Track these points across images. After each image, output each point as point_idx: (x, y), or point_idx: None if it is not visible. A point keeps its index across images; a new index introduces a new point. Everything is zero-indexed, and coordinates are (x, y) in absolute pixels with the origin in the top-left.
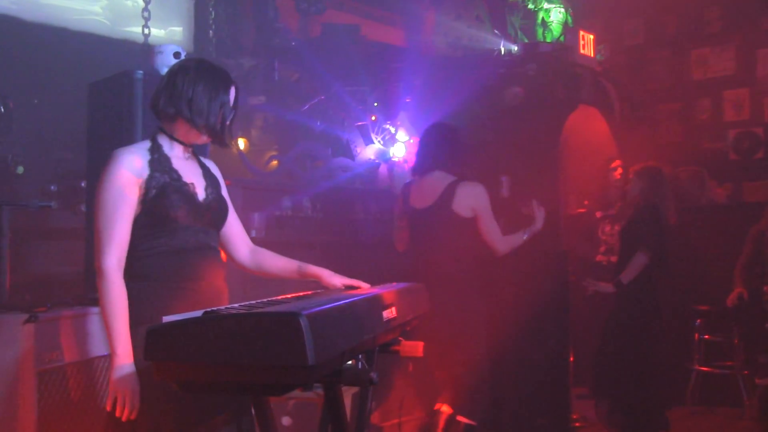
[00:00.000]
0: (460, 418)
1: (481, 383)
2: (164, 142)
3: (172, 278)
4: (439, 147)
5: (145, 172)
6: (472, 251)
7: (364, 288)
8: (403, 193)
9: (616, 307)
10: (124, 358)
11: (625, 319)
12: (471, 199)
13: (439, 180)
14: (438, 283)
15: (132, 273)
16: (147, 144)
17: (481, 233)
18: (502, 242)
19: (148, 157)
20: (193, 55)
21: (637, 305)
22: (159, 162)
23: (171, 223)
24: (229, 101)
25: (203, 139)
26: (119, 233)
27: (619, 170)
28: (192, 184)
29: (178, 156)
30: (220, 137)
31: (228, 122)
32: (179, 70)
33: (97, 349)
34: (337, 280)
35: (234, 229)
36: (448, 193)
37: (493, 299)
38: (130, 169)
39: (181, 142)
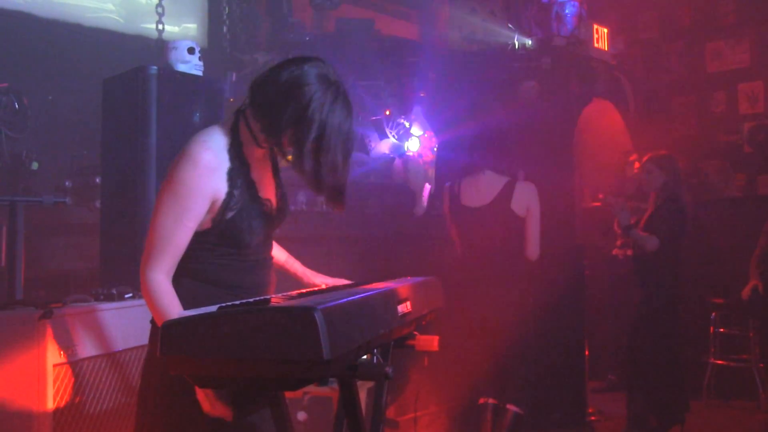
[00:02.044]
0: (509, 406)
1: (528, 374)
2: (245, 139)
3: (236, 287)
4: (491, 149)
5: (223, 187)
6: (521, 248)
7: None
8: (451, 191)
9: (640, 301)
10: None
11: (647, 312)
12: (526, 199)
13: (493, 180)
14: (492, 278)
15: (190, 271)
16: (225, 139)
17: (527, 232)
18: (538, 245)
19: (227, 164)
20: (207, 51)
21: (659, 298)
22: (239, 171)
23: (244, 247)
24: (347, 165)
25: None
26: (177, 245)
27: (637, 164)
28: (265, 198)
29: (256, 157)
30: (341, 198)
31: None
32: (317, 97)
33: (113, 344)
34: (318, 280)
35: None
36: (506, 192)
37: (510, 293)
38: (206, 181)
39: (259, 145)
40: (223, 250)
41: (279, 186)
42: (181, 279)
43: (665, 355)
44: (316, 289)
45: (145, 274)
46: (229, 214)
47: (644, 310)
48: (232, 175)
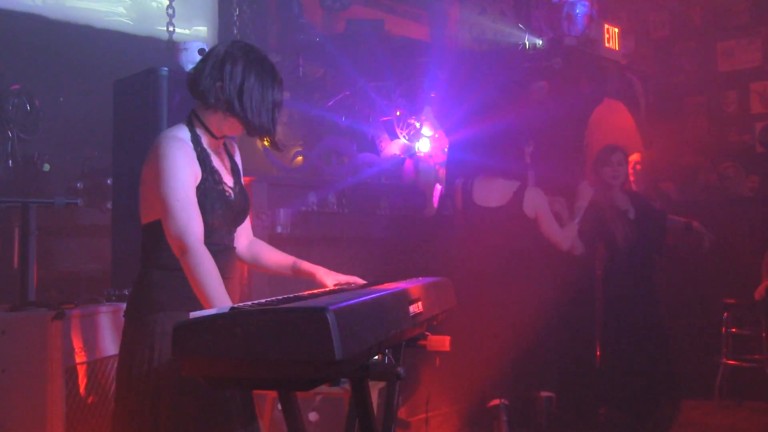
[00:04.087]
0: (542, 393)
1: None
2: (200, 131)
3: None
4: (509, 155)
5: (198, 168)
6: (531, 247)
7: (360, 283)
8: (463, 189)
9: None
10: None
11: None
12: (535, 202)
13: (507, 184)
14: (506, 275)
15: (159, 262)
16: (186, 133)
17: (544, 233)
18: (562, 235)
19: (194, 153)
20: None
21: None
22: (203, 158)
23: (207, 228)
24: (280, 99)
25: (239, 132)
26: (198, 211)
27: (638, 166)
28: (228, 186)
29: (213, 149)
30: (271, 137)
31: (277, 121)
32: (226, 55)
33: None
34: (331, 278)
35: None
36: (519, 196)
37: (519, 294)
38: (190, 157)
39: (213, 135)
40: None
41: (238, 181)
42: (153, 271)
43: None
44: (327, 289)
45: (182, 244)
46: (197, 193)
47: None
48: (200, 159)
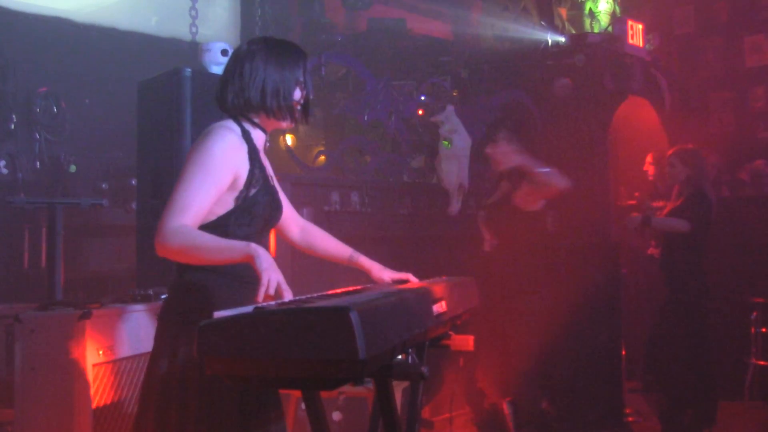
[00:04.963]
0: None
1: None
2: (249, 128)
3: (249, 277)
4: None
5: (246, 165)
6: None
7: (414, 282)
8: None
9: (667, 297)
10: (254, 248)
11: (674, 306)
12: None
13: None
14: (540, 275)
15: (211, 265)
16: (237, 128)
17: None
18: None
19: (245, 146)
20: None
21: (687, 292)
22: (254, 154)
23: (256, 229)
24: (303, 77)
25: (285, 124)
26: (201, 205)
27: (652, 168)
28: (274, 181)
29: (260, 147)
30: (303, 118)
31: (307, 99)
32: (246, 56)
33: (150, 344)
34: (386, 274)
35: (285, 213)
36: None
37: (545, 292)
38: (232, 155)
39: (263, 130)
40: (240, 234)
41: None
42: (203, 275)
43: (687, 354)
44: (352, 288)
45: (166, 225)
46: (253, 191)
47: (668, 308)
48: (251, 156)
